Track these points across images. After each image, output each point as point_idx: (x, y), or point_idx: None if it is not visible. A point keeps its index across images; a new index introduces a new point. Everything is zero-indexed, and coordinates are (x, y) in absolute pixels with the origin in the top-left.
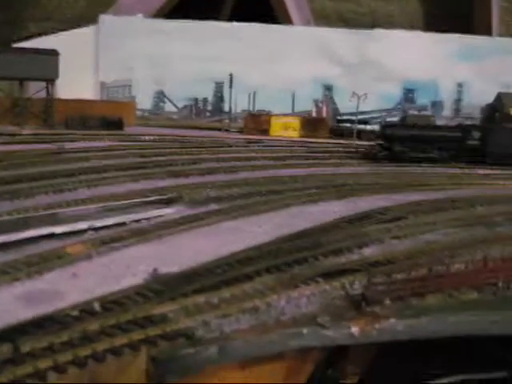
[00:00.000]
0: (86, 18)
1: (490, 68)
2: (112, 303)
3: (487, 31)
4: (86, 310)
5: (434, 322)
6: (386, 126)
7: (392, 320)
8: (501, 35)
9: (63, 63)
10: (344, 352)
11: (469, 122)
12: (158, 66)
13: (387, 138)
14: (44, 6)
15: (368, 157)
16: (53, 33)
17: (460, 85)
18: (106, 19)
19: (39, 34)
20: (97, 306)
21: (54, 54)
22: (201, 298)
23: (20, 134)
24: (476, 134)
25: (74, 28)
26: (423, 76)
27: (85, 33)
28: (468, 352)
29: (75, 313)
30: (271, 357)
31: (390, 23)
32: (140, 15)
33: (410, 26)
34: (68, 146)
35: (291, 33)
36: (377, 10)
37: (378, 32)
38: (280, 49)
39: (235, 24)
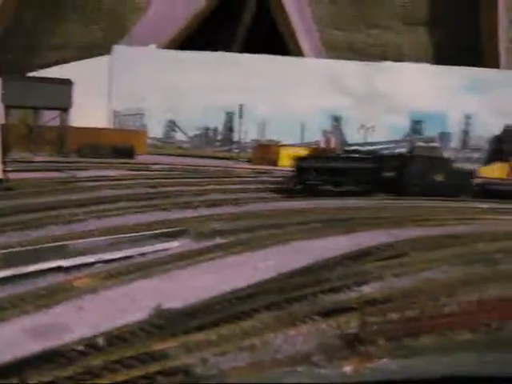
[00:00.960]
0: (101, 48)
1: (497, 100)
2: (116, 338)
3: (495, 63)
4: (90, 345)
5: (426, 362)
6: (299, 158)
7: (385, 360)
8: (509, 67)
9: (77, 91)
10: None
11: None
12: (169, 95)
13: (301, 170)
14: (61, 35)
15: (285, 190)
16: (68, 62)
17: (468, 117)
18: (119, 49)
19: (55, 63)
20: (101, 341)
21: (67, 83)
22: (200, 335)
23: (33, 161)
24: (392, 165)
25: (89, 57)
26: (431, 108)
27: (99, 62)
28: None
29: (80, 347)
30: None
31: (399, 55)
32: (153, 45)
33: (420, 58)
34: (79, 174)
35: (301, 64)
36: (387, 41)
37: (387, 64)
38: (290, 80)
39: (246, 55)
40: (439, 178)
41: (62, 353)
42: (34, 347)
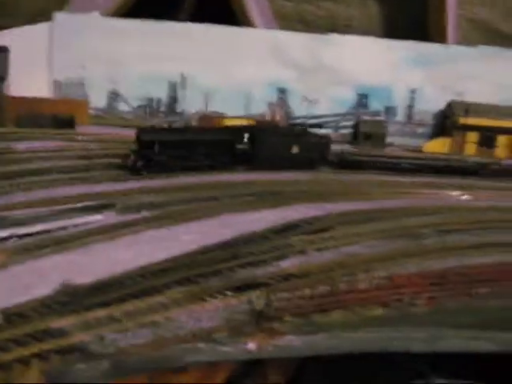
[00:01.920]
0: (44, 15)
1: (443, 75)
2: (15, 315)
3: (442, 39)
4: None
5: (331, 338)
6: (142, 130)
7: (289, 336)
8: (456, 43)
9: (15, 60)
10: (263, 360)
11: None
12: (112, 65)
13: (144, 144)
14: (2, 3)
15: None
16: (5, 28)
17: (413, 91)
18: (60, 16)
19: None
20: (0, 319)
21: (3, 50)
22: (102, 312)
23: None
24: (246, 137)
25: (29, 24)
26: (377, 82)
27: (39, 30)
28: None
29: None
30: (175, 368)
31: (349, 27)
32: (96, 13)
33: (369, 31)
34: (15, 145)
35: (246, 35)
36: (336, 13)
37: (334, 37)
38: (235, 50)
39: (191, 24)
40: (294, 150)
41: None
42: None
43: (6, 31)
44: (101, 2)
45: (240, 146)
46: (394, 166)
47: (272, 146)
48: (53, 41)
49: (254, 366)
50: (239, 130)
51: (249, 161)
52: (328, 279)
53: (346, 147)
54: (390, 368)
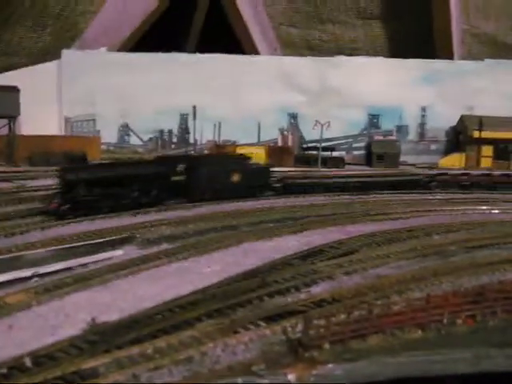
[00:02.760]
0: (51, 53)
1: (452, 91)
2: (44, 357)
3: (449, 55)
4: (15, 367)
5: (371, 364)
6: (65, 169)
7: (330, 365)
8: (462, 58)
9: (26, 99)
10: None
11: (433, 146)
12: (122, 99)
13: (69, 184)
14: (7, 41)
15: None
16: (15, 68)
17: (423, 109)
18: (68, 53)
19: (3, 70)
20: (28, 362)
21: (14, 90)
22: (135, 350)
23: None
24: (181, 168)
25: (38, 63)
26: (387, 101)
27: (48, 68)
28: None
29: (3, 370)
30: None
31: (354, 49)
32: (103, 49)
33: (374, 52)
34: (29, 184)
35: (254, 62)
36: (341, 36)
37: (341, 59)
38: (244, 79)
39: (199, 55)
40: (235, 178)
41: None
42: None
43: (15, 71)
44: (108, 37)
45: (175, 178)
46: (340, 186)
47: (209, 175)
48: (62, 78)
49: None
50: (173, 162)
51: (186, 193)
52: (362, 303)
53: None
54: None
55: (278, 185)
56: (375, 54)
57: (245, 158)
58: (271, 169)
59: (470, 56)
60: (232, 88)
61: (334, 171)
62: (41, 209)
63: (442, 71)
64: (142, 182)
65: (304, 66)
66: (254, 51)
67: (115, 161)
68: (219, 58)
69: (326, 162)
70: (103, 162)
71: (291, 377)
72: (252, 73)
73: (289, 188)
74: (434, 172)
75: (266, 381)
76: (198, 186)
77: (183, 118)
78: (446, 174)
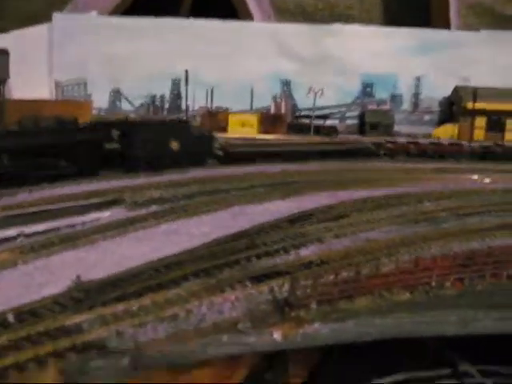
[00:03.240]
0: (42, 17)
1: (448, 61)
2: (27, 314)
3: (445, 24)
4: None
5: (359, 325)
6: None
7: (316, 324)
8: (459, 28)
9: (16, 63)
10: (284, 354)
11: (427, 116)
12: (113, 63)
13: None
14: None
15: None
16: (5, 32)
17: (418, 78)
18: (59, 17)
19: None
20: (11, 318)
21: (3, 53)
22: (120, 307)
23: None
24: (115, 135)
25: (28, 27)
26: (382, 70)
27: (38, 31)
28: (413, 351)
29: None
30: (196, 363)
31: (349, 17)
32: (94, 12)
33: (370, 20)
34: None
35: (248, 28)
36: (336, 3)
37: (336, 27)
38: (238, 45)
39: (191, 20)
40: (175, 146)
41: None
42: None
43: (5, 34)
44: (100, 1)
45: (109, 146)
46: (284, 154)
47: (147, 143)
48: (52, 42)
49: (274, 361)
50: (107, 127)
51: (121, 162)
52: (350, 265)
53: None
54: (415, 356)
55: (220, 152)
56: (370, 21)
57: (185, 124)
58: (214, 135)
59: (466, 27)
60: (225, 54)
61: (276, 139)
62: None
63: (437, 41)
64: (71, 151)
65: (298, 33)
66: (248, 17)
67: (44, 127)
68: (213, 24)
69: (319, 130)
70: (31, 129)
71: (277, 335)
72: (246, 39)
73: (230, 156)
74: (382, 141)
75: (252, 339)
76: (133, 155)
77: (175, 84)
78: (393, 142)
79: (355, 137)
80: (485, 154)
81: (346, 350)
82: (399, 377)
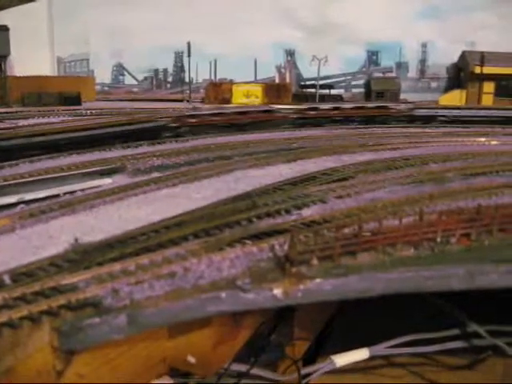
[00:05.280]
0: None
1: (454, 27)
2: (23, 275)
3: None
4: None
5: (362, 280)
6: None
7: (318, 280)
8: None
9: (17, 40)
10: (289, 316)
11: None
12: (115, 38)
13: None
14: None
15: None
16: (4, 9)
17: (424, 45)
18: None
19: None
20: (6, 279)
21: (3, 29)
22: (117, 266)
23: None
24: None
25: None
26: (387, 37)
27: (39, 7)
28: (420, 310)
29: None
30: (198, 322)
31: None
32: None
33: None
34: (21, 123)
35: None
36: None
37: None
38: (241, 15)
39: None
40: None
41: None
42: None
43: (5, 11)
44: None
45: None
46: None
47: None
48: (52, 17)
49: (279, 322)
50: None
51: None
52: (353, 222)
53: None
54: (422, 318)
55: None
56: None
57: None
58: None
59: None
60: (228, 25)
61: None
62: None
63: (444, 5)
64: None
65: (302, 2)
66: None
67: None
68: None
69: (324, 99)
70: None
71: (277, 291)
72: (249, 9)
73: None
74: (304, 107)
75: (251, 295)
76: None
77: (178, 56)
78: (317, 108)
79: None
80: (413, 118)
81: (351, 313)
82: (405, 338)
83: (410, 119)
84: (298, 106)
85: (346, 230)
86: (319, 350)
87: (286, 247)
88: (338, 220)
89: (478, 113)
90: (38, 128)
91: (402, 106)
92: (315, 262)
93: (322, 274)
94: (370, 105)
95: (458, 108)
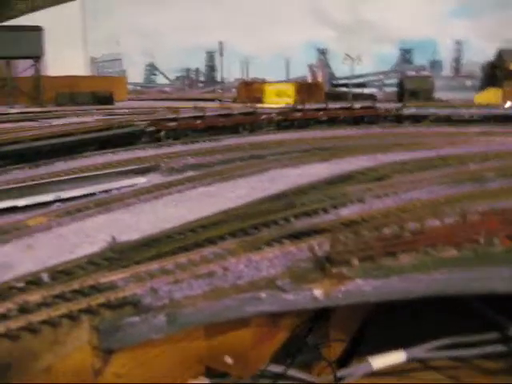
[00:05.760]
0: None
1: (489, 24)
2: (61, 273)
3: None
4: (32, 281)
5: (403, 281)
6: None
7: (359, 281)
8: None
9: (51, 40)
10: (326, 317)
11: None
12: (147, 37)
13: None
14: None
15: None
16: (39, 9)
17: (458, 42)
18: None
19: (25, 12)
20: (45, 277)
21: (38, 30)
22: (155, 265)
23: (8, 113)
24: None
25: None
26: (420, 35)
27: (72, 8)
28: (459, 314)
29: (20, 284)
30: (236, 323)
31: None
32: None
33: None
34: (55, 122)
35: None
36: None
37: None
38: (273, 14)
39: None
40: None
41: None
42: None
43: (40, 12)
44: None
45: None
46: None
47: None
48: (85, 18)
49: (315, 324)
50: None
51: None
52: (393, 222)
53: None
54: (462, 319)
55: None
56: None
57: None
58: None
59: None
60: (260, 24)
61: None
62: None
63: (479, 2)
64: None
65: (335, 0)
66: None
67: None
68: None
69: (357, 98)
70: None
71: (317, 292)
72: (281, 7)
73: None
74: (289, 108)
75: (291, 295)
76: None
77: (210, 56)
78: (301, 109)
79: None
80: (399, 118)
81: (388, 314)
82: (444, 341)
83: (399, 119)
84: (282, 106)
85: (387, 231)
86: (354, 351)
87: (326, 247)
88: (377, 220)
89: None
90: (70, 128)
91: (391, 106)
92: (356, 262)
93: (363, 274)
94: (356, 106)
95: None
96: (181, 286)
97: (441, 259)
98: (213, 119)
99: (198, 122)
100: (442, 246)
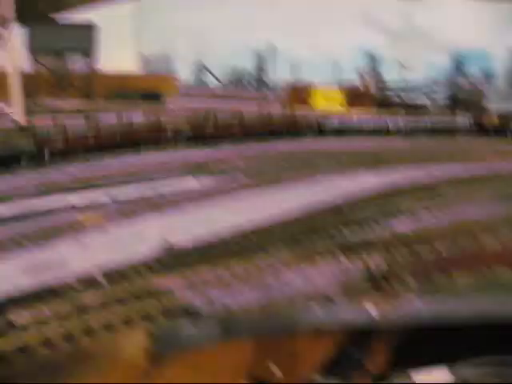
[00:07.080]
0: None
1: None
2: (116, 275)
3: None
4: (87, 281)
5: (458, 301)
6: None
7: (413, 298)
8: None
9: (104, 37)
10: (369, 330)
11: None
12: (198, 37)
13: None
14: None
15: None
16: (93, 6)
17: None
18: None
19: (79, 7)
20: (99, 278)
21: (91, 27)
22: (209, 272)
23: (60, 108)
24: None
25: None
26: (473, 44)
27: (125, 6)
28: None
29: (75, 283)
30: (281, 335)
31: None
32: None
33: None
34: (106, 120)
35: (335, 0)
36: None
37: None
38: (323, 17)
39: None
40: None
41: (54, 289)
42: (27, 283)
43: (94, 10)
44: None
45: None
46: None
47: None
48: (139, 16)
49: (358, 336)
50: None
51: None
52: (446, 240)
53: None
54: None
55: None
56: None
57: None
58: None
59: None
60: (310, 27)
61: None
62: None
63: None
64: None
65: (386, 6)
66: None
67: None
68: None
69: (408, 107)
70: None
71: (370, 307)
72: (332, 11)
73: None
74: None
75: (343, 309)
76: None
77: (259, 57)
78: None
79: None
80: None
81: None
82: (485, 360)
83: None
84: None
85: (442, 249)
86: (396, 364)
87: (380, 263)
88: (431, 237)
89: None
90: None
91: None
92: (409, 279)
93: (416, 291)
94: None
95: None
96: (235, 295)
97: (496, 281)
98: (108, 138)
99: (91, 141)
100: (498, 268)
